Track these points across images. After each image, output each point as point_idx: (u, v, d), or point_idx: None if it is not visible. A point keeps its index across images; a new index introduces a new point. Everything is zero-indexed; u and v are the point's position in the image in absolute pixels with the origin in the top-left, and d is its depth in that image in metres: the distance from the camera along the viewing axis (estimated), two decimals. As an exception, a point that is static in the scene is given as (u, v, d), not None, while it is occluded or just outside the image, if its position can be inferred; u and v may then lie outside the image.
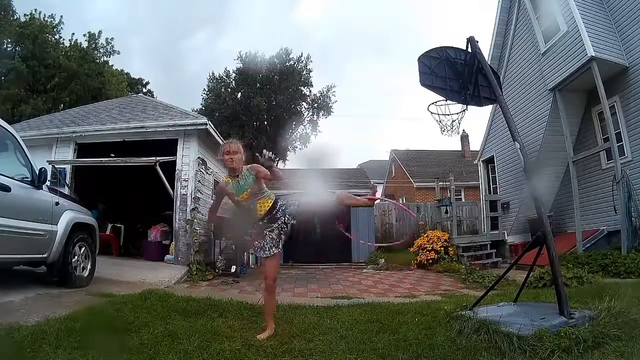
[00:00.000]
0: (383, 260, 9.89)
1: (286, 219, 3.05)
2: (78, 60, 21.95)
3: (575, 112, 8.59)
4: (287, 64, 29.24)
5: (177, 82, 48.62)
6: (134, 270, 6.24)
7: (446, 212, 10.98)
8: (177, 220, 7.26)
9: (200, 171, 7.68)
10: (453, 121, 4.35)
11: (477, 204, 13.71)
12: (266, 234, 3.03)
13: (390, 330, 3.05)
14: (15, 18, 20.80)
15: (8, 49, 20.60)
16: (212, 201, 8.60)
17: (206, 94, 29.61)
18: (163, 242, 7.81)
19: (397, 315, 3.55)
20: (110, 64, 25.10)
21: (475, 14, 76.40)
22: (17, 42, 20.64)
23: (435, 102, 4.25)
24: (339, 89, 61.60)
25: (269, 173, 2.96)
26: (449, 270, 7.99)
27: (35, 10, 21.52)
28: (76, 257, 4.65)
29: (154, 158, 6.72)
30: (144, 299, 3.92)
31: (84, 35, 23.88)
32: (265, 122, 29.68)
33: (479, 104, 3.92)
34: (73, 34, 23.57)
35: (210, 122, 7.56)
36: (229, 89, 29.63)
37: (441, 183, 14.03)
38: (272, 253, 3.02)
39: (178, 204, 7.29)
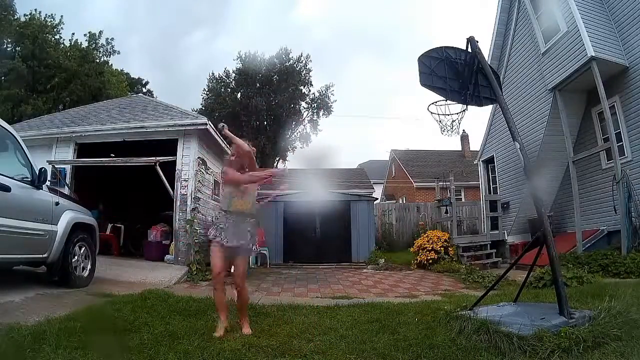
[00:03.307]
0: (383, 260, 9.89)
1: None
2: (78, 60, 21.94)
3: (575, 112, 8.58)
4: (286, 63, 29.26)
5: (177, 82, 48.67)
6: (134, 270, 6.25)
7: (446, 212, 10.98)
8: (177, 220, 7.26)
9: (200, 171, 7.67)
10: (453, 121, 4.34)
11: (477, 204, 13.69)
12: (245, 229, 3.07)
13: (390, 330, 3.05)
14: (15, 18, 20.79)
15: (8, 49, 20.59)
16: (212, 201, 8.66)
17: (206, 94, 29.64)
18: (163, 242, 7.81)
19: (397, 315, 3.56)
20: (110, 64, 25.13)
21: (475, 14, 76.45)
22: (17, 42, 20.62)
23: (435, 102, 4.25)
24: (339, 88, 61.89)
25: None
26: (449, 270, 7.99)
27: (36, 10, 21.58)
28: (76, 257, 4.66)
29: (154, 158, 6.72)
30: (144, 299, 3.93)
31: (84, 35, 23.93)
32: (265, 122, 29.68)
33: (479, 104, 3.92)
34: (73, 33, 23.59)
35: (210, 122, 7.56)
36: (229, 89, 29.65)
37: (441, 183, 14.03)
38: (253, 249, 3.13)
39: (178, 204, 7.29)
